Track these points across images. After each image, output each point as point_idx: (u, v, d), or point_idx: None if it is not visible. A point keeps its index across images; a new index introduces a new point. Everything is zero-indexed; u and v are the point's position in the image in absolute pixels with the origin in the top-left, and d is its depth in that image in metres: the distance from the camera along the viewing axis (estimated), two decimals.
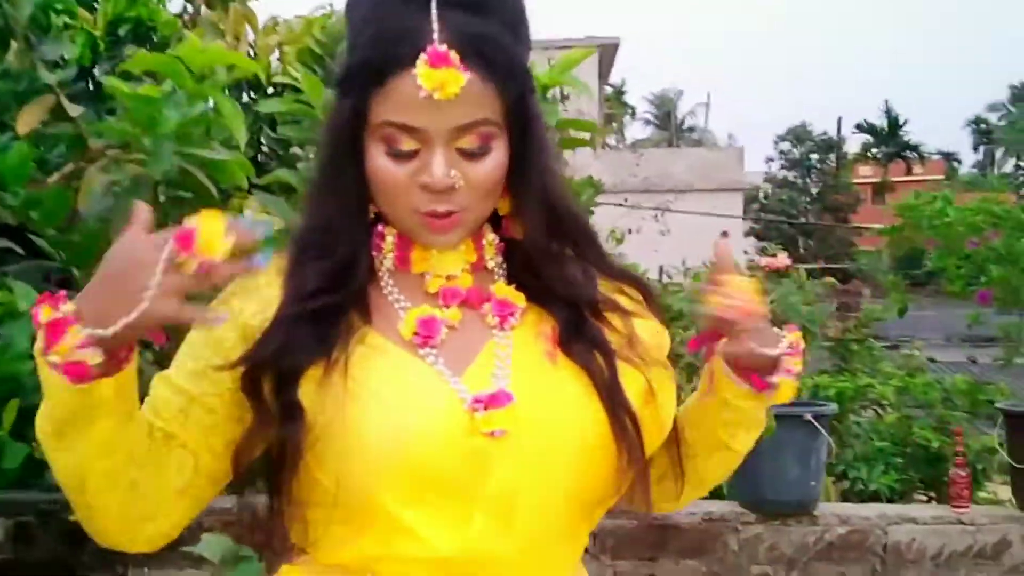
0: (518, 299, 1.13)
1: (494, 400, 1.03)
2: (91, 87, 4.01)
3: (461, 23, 1.03)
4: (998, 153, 42.71)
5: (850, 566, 2.07)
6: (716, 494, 2.96)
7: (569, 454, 1.04)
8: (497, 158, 1.07)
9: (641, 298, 1.18)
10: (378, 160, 1.05)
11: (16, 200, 1.91)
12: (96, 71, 4.16)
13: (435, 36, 1.02)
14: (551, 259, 1.13)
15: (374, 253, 1.13)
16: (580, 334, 1.10)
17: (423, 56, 1.01)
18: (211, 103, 1.85)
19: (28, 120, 1.96)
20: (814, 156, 41.85)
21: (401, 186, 1.05)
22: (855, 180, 42.61)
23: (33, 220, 1.98)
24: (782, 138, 42.53)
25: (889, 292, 5.79)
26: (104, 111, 3.76)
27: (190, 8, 2.82)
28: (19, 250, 2.25)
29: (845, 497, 4.39)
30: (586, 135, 2.29)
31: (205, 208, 2.00)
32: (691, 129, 46.08)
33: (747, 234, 30.64)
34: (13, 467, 1.82)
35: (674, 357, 1.20)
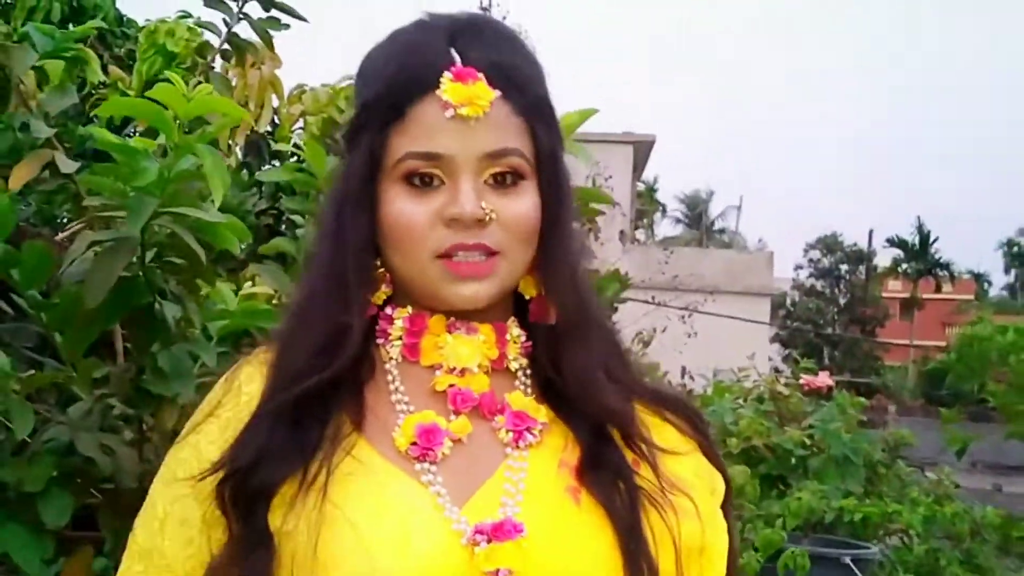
0: (538, 413, 0.96)
1: (499, 531, 0.85)
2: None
3: (485, 54, 0.94)
4: None
5: None
6: None
7: None
8: (530, 201, 0.94)
9: (687, 428, 1.00)
10: (397, 202, 0.93)
11: None
12: (127, 131, 4.12)
13: (458, 60, 0.93)
14: (581, 350, 0.96)
15: (379, 341, 0.98)
16: (603, 461, 0.93)
17: (447, 74, 0.92)
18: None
19: (20, 175, 1.83)
20: (843, 267, 41.70)
21: (422, 227, 0.92)
22: (883, 294, 42.35)
23: (14, 279, 1.84)
24: (812, 246, 42.47)
25: (920, 415, 5.57)
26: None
27: (204, 61, 2.72)
28: (8, 309, 2.12)
29: None
30: (602, 207, 2.16)
31: (197, 276, 1.87)
32: (721, 231, 46.20)
33: (772, 340, 30.40)
34: None
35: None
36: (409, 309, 0.98)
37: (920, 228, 42.11)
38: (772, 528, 1.82)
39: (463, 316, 0.97)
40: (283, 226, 3.81)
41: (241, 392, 0.95)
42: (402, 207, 0.93)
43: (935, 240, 42.16)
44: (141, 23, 4.25)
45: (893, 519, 5.07)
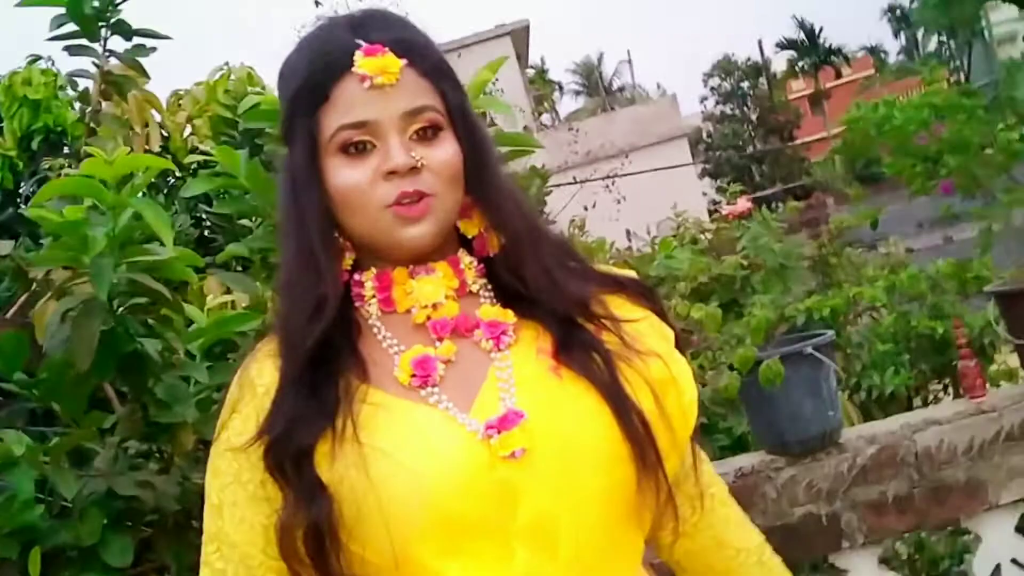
0: (506, 316, 1.12)
1: (505, 421, 1.01)
2: (20, 207, 3.94)
3: (385, 34, 1.09)
4: (919, 35, 43.07)
5: (888, 483, 2.06)
6: (743, 447, 2.96)
7: (592, 464, 1.03)
8: (451, 148, 1.09)
9: (638, 299, 1.17)
10: (339, 171, 1.07)
11: None
12: (21, 189, 4.11)
13: (363, 43, 1.08)
14: (540, 255, 1.13)
15: (357, 304, 1.13)
16: (574, 341, 1.09)
17: (358, 53, 1.07)
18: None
19: None
20: (745, 84, 42.04)
21: (365, 186, 1.07)
22: (789, 97, 42.88)
23: None
24: (710, 74, 42.67)
25: (855, 203, 5.81)
26: (40, 233, 3.70)
27: (88, 107, 2.76)
28: None
29: (865, 408, 4.40)
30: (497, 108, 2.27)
31: (161, 309, 1.99)
32: (621, 89, 46.19)
33: (701, 176, 30.77)
34: None
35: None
36: (373, 270, 1.13)
37: (802, 23, 42.45)
38: (743, 347, 2.02)
39: (419, 262, 1.12)
40: (207, 231, 3.87)
41: (256, 387, 1.09)
42: (346, 173, 1.07)
43: (821, 29, 42.58)
44: None
45: (857, 301, 5.35)
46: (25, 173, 3.95)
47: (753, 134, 39.80)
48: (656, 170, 16.99)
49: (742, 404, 2.22)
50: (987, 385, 2.21)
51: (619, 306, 1.14)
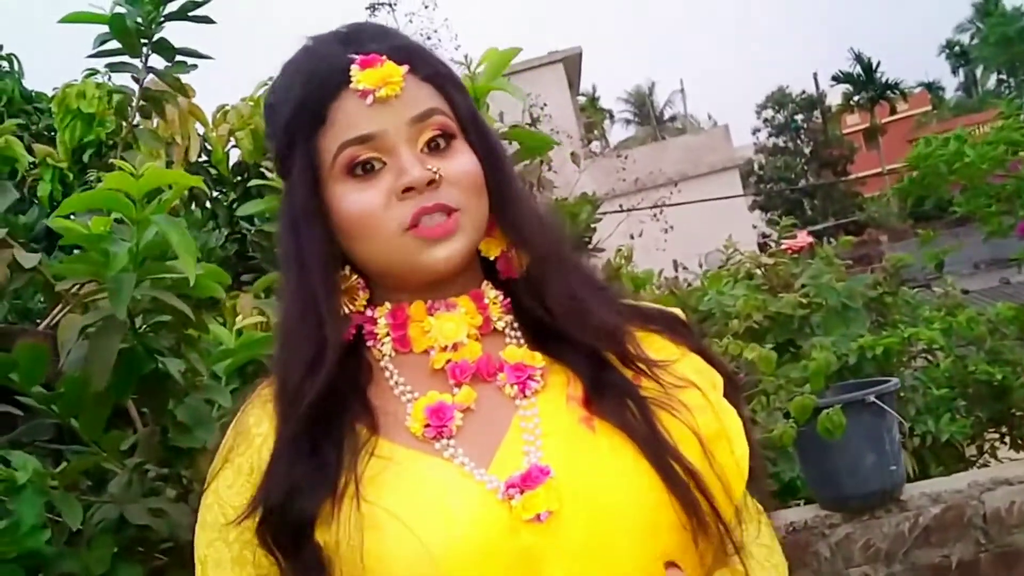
0: (534, 360, 1.00)
1: (529, 480, 0.89)
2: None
3: (380, 43, 0.98)
4: (978, 72, 42.50)
5: (952, 545, 1.91)
6: (791, 493, 2.79)
7: (630, 527, 0.90)
8: (468, 156, 0.98)
9: (674, 335, 1.04)
10: (346, 198, 0.96)
11: None
12: None
13: (357, 56, 0.97)
14: (565, 279, 1.01)
15: (369, 344, 1.01)
16: (606, 385, 0.97)
17: (354, 66, 0.96)
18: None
19: None
20: (799, 117, 41.70)
21: (379, 209, 0.95)
22: (844, 131, 42.44)
23: (14, 382, 1.87)
24: (763, 106, 42.40)
25: (922, 241, 5.60)
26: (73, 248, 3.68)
27: (124, 123, 2.73)
28: (17, 412, 2.15)
29: (918, 455, 4.22)
30: (552, 134, 2.19)
31: (185, 329, 1.90)
32: (672, 119, 46.04)
33: (751, 208, 30.49)
34: None
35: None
36: (388, 305, 1.01)
37: (859, 57, 42.04)
38: (799, 392, 1.88)
39: (439, 296, 1.00)
40: (249, 248, 3.83)
41: (252, 436, 0.98)
42: (355, 198, 0.95)
43: (878, 64, 42.12)
44: (49, 94, 4.22)
45: (913, 342, 5.16)
46: (75, 185, 3.95)
47: (806, 168, 39.40)
48: (704, 201, 16.78)
49: (795, 455, 2.08)
50: None
51: (656, 345, 1.02)
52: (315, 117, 0.96)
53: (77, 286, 1.96)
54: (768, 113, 42.38)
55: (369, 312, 1.02)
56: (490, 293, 1.03)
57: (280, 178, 1.02)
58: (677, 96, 46.52)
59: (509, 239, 1.02)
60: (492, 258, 1.03)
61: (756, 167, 38.33)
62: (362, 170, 0.96)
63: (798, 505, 2.73)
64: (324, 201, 0.97)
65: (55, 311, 2.15)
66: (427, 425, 0.95)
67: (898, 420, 2.01)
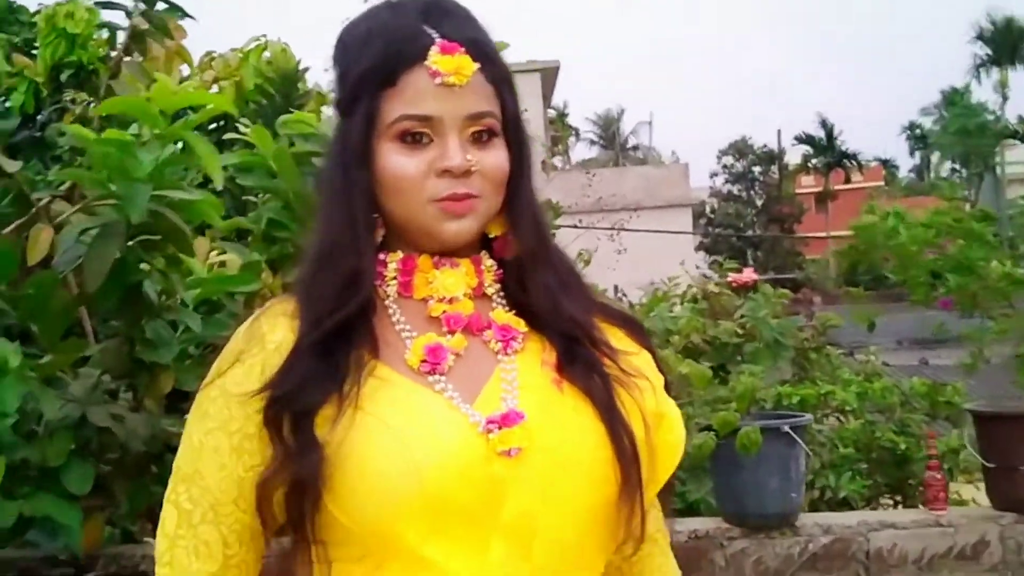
0: (519, 324, 1.15)
1: (507, 420, 1.04)
2: (37, 134, 3.96)
3: (459, 31, 1.11)
4: (934, 157, 43.63)
5: (835, 574, 2.09)
6: (694, 514, 2.98)
7: (581, 475, 1.05)
8: (503, 154, 1.13)
9: (629, 334, 1.20)
10: (394, 157, 1.09)
11: None
12: (40, 117, 4.11)
13: (437, 37, 1.09)
14: (545, 274, 1.16)
15: (378, 283, 1.14)
16: (577, 358, 1.12)
17: (434, 48, 1.08)
18: (179, 144, 1.85)
19: None
20: (756, 169, 42.43)
21: (417, 177, 1.09)
22: (797, 191, 43.27)
23: None
24: (725, 152, 43.07)
25: (854, 302, 5.85)
26: (50, 158, 3.70)
27: (112, 53, 2.80)
28: None
29: (815, 506, 4.43)
30: None
31: (177, 248, 2.00)
32: (635, 148, 46.53)
33: (697, 248, 30.96)
34: (5, 526, 1.80)
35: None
36: (400, 253, 1.15)
37: (824, 122, 42.93)
38: (723, 409, 2.05)
39: (445, 254, 1.15)
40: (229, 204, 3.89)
41: (265, 341, 1.10)
42: (400, 161, 1.09)
43: (840, 132, 43.08)
44: (33, 10, 4.21)
45: (828, 399, 5.39)
46: (47, 101, 3.96)
47: (755, 219, 40.11)
48: (658, 231, 17.08)
49: (708, 468, 2.25)
50: (948, 501, 2.24)
51: (618, 338, 1.18)
52: (387, 80, 1.09)
53: (49, 199, 2.04)
54: (728, 160, 43.04)
55: (381, 255, 1.15)
56: (487, 261, 1.18)
57: (336, 112, 1.15)
58: (643, 127, 47.06)
59: (508, 226, 1.17)
60: (492, 236, 1.18)
61: (708, 209, 38.92)
62: (411, 139, 1.09)
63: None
64: (373, 150, 1.10)
65: (20, 221, 2.21)
66: (423, 360, 1.09)
67: (805, 452, 2.18)
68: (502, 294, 1.18)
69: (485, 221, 1.14)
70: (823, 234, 35.99)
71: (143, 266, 1.94)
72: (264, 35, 4.04)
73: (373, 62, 1.10)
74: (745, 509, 2.10)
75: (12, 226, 2.25)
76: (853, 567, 2.11)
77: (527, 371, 1.11)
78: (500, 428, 1.03)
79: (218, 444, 1.08)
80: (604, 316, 1.20)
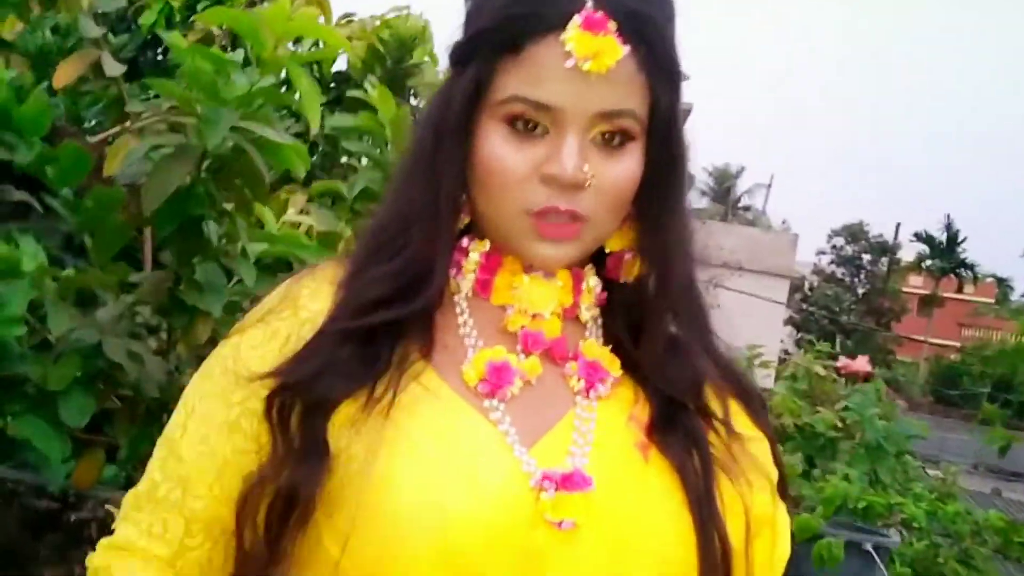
0: (612, 365, 0.92)
1: (568, 482, 0.82)
2: (160, 57, 3.94)
3: (618, 4, 0.85)
4: None
5: None
6: None
7: (642, 572, 0.83)
8: (633, 165, 0.89)
9: (747, 410, 0.96)
10: (495, 143, 0.87)
11: (31, 152, 1.76)
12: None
13: (589, 2, 0.84)
14: (662, 317, 0.92)
15: (451, 271, 0.93)
16: (677, 425, 0.89)
17: (576, 18, 0.84)
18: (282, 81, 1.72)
19: (65, 73, 1.81)
20: (866, 257, 41.44)
21: (518, 176, 0.86)
22: (904, 289, 42.11)
23: (48, 177, 1.82)
24: (837, 233, 42.17)
25: (990, 422, 5.48)
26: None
27: None
28: (37, 206, 2.11)
29: None
30: None
31: (254, 194, 1.85)
32: (747, 208, 45.86)
33: (786, 322, 30.33)
34: None
35: None
36: (487, 244, 0.93)
37: (949, 226, 41.71)
38: (806, 512, 1.82)
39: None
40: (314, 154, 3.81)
41: (300, 307, 0.91)
42: (500, 151, 0.87)
43: (963, 240, 41.79)
44: None
45: (895, 511, 5.08)
46: (179, 27, 3.94)
47: (853, 306, 39.14)
48: (753, 295, 16.67)
49: None
50: None
51: (736, 416, 0.94)
52: (510, 44, 0.86)
53: (143, 113, 1.92)
54: (839, 241, 42.14)
55: (464, 241, 0.94)
56: (590, 280, 0.95)
57: (449, 60, 0.93)
58: (760, 189, 46.19)
59: (645, 257, 0.93)
60: (607, 251, 0.95)
61: (807, 286, 38.08)
62: (523, 126, 0.87)
63: None
64: (475, 124, 0.89)
65: (112, 131, 2.11)
66: (483, 379, 0.87)
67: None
68: (600, 323, 0.96)
69: (592, 247, 0.92)
70: (921, 338, 34.92)
71: (210, 203, 1.78)
72: (408, 6, 3.95)
73: (498, 21, 0.87)
74: None
75: (101, 135, 2.14)
76: None
77: (608, 425, 0.88)
78: (557, 490, 0.81)
79: (210, 412, 0.89)
80: (730, 381, 0.95)
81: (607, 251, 0.95)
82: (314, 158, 3.78)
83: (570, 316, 0.94)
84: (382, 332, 0.87)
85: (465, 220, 0.94)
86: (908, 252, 42.88)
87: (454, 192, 0.90)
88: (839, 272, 41.52)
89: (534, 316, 0.92)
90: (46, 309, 1.65)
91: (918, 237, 42.12)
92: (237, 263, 1.90)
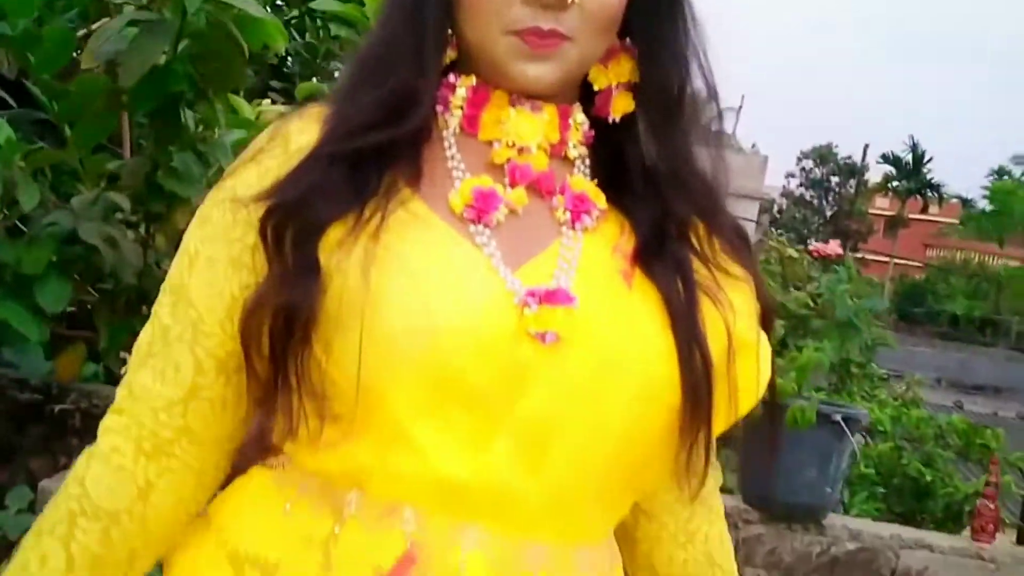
0: (598, 198, 0.92)
1: (551, 296, 0.83)
2: None
3: None
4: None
5: None
6: (721, 488, 2.77)
7: (627, 389, 0.84)
8: None
9: (732, 250, 0.95)
10: None
11: (15, 31, 1.72)
12: None
13: None
14: (663, 144, 0.91)
15: (439, 108, 0.92)
16: (662, 253, 0.89)
17: None
18: None
19: None
20: (835, 179, 41.65)
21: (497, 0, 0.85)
22: (871, 211, 42.43)
23: (30, 62, 1.79)
24: (807, 155, 42.29)
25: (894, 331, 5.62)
26: None
27: None
28: (12, 102, 2.08)
29: None
30: None
31: (231, 73, 1.82)
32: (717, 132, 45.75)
33: (755, 244, 30.53)
34: None
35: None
36: (473, 79, 0.92)
37: (915, 147, 41.90)
38: (784, 378, 1.88)
39: (527, 95, 0.91)
40: (297, 48, 3.73)
41: (290, 141, 0.90)
42: None
43: (929, 160, 42.01)
44: None
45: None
46: None
47: (821, 228, 39.45)
48: None
49: (739, 442, 2.06)
50: (996, 536, 2.03)
51: (721, 252, 0.93)
52: None
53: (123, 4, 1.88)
54: (808, 164, 42.28)
55: (451, 77, 0.93)
56: (577, 116, 0.94)
57: None
58: (730, 113, 45.97)
59: (631, 77, 0.93)
60: (596, 88, 0.94)
61: (776, 209, 38.27)
62: None
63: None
64: None
65: (96, 24, 2.06)
66: (470, 205, 0.87)
67: (852, 450, 1.98)
68: (587, 163, 0.95)
69: (576, 69, 0.90)
70: (886, 259, 35.32)
71: (188, 83, 1.75)
72: None
73: None
74: (771, 494, 1.91)
75: (83, 31, 2.09)
76: None
77: (593, 254, 0.89)
78: (540, 304, 0.82)
79: (214, 254, 0.88)
80: (707, 219, 0.94)
81: (596, 88, 0.94)
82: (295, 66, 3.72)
83: (557, 154, 0.94)
84: (370, 158, 0.86)
85: (452, 55, 0.93)
86: (876, 174, 43.12)
87: (437, 21, 0.89)
88: (808, 195, 41.72)
89: (521, 150, 0.92)
90: (17, 187, 1.63)
91: (885, 159, 42.27)
92: (214, 148, 1.88)
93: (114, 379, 2.45)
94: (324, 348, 0.82)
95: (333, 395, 0.83)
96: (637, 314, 0.86)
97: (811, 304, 2.93)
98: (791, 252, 3.79)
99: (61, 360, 2.07)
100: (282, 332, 0.83)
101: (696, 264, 0.91)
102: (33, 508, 1.74)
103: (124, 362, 2.55)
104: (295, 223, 0.84)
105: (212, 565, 0.89)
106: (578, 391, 0.83)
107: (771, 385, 0.97)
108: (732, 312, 0.89)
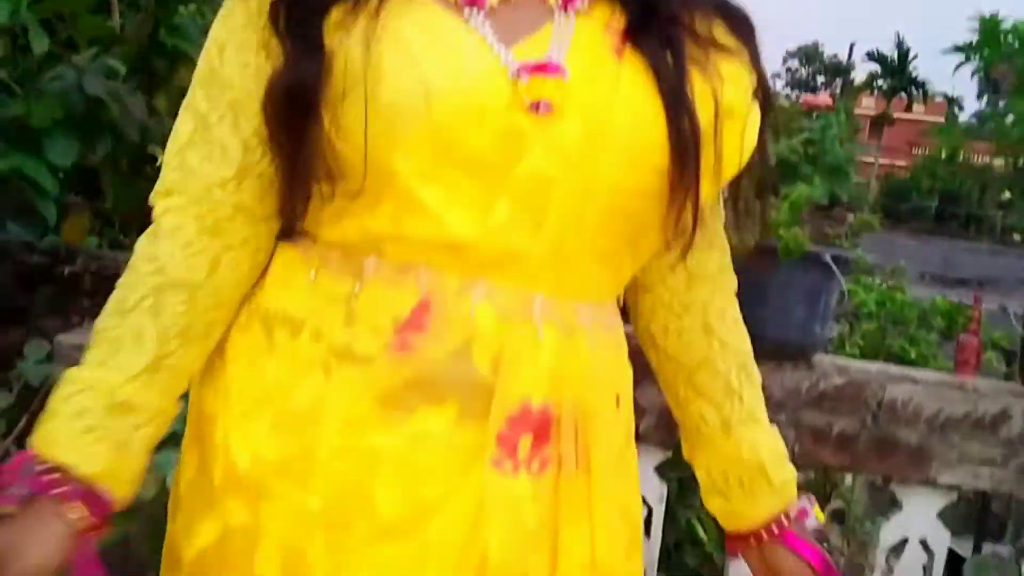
0: None
1: (543, 68, 0.88)
2: None
3: None
4: (1002, 104, 42.34)
5: (840, 417, 1.99)
6: None
7: (619, 153, 0.89)
8: None
9: (728, 25, 0.98)
10: None
11: None
12: None
13: None
14: None
15: None
16: (652, 30, 0.93)
17: None
18: None
19: None
20: (820, 79, 41.37)
21: None
22: (856, 110, 42.22)
23: None
24: (792, 55, 41.90)
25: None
26: None
27: None
28: None
29: None
30: None
31: None
32: None
33: None
34: None
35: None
36: None
37: (900, 44, 41.52)
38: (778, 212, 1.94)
39: None
40: None
41: None
42: None
43: (914, 57, 41.68)
44: None
45: (847, 298, 5.31)
46: None
47: None
48: None
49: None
50: (977, 370, 2.13)
51: (718, 31, 0.97)
52: None
53: None
54: (794, 63, 41.94)
55: None
56: None
57: None
58: None
59: None
60: None
61: None
62: None
63: None
64: None
65: None
66: None
67: (841, 290, 2.05)
68: None
69: None
70: (871, 159, 35.30)
71: None
72: None
73: None
74: (762, 330, 1.96)
75: None
76: (860, 414, 2.00)
77: (585, 32, 0.93)
78: (532, 74, 0.87)
79: (244, 40, 0.93)
80: (705, 4, 0.97)
81: None
82: None
83: None
84: None
85: None
86: (862, 73, 42.82)
87: None
88: (793, 95, 41.50)
89: None
90: (28, 33, 1.64)
91: (870, 56, 41.93)
92: (212, 2, 1.89)
93: (119, 245, 2.50)
94: (333, 123, 0.87)
95: (346, 171, 0.88)
96: (627, 84, 0.91)
97: (800, 152, 2.97)
98: (781, 102, 3.81)
99: (68, 223, 2.10)
100: (293, 110, 0.87)
101: (688, 41, 0.94)
102: (51, 358, 1.80)
103: (129, 228, 2.59)
104: (299, 6, 0.88)
105: (241, 329, 0.96)
106: (572, 155, 0.88)
107: (761, 148, 1.01)
108: (720, 81, 0.93)
